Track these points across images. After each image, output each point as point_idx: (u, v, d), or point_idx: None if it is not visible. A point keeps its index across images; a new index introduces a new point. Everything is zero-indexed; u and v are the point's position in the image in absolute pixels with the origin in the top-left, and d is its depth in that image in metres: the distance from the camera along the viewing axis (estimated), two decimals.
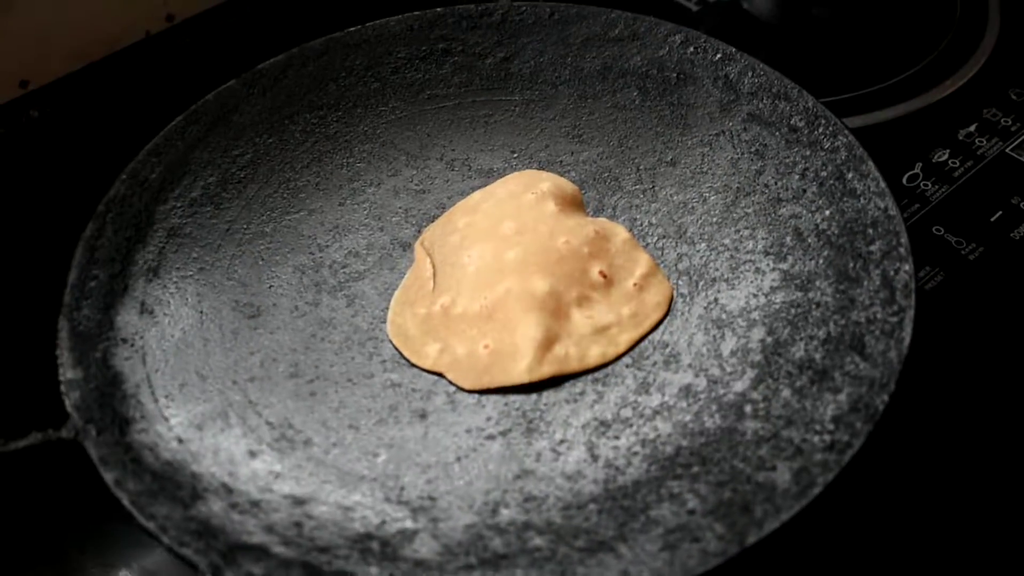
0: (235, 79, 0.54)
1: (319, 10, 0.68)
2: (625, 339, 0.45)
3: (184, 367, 0.45)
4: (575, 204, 0.50)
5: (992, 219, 0.55)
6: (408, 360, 0.46)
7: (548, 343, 0.44)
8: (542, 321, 0.44)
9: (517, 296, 0.45)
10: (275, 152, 0.53)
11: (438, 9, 0.57)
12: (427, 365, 0.45)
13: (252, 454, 0.42)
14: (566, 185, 0.50)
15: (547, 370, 0.44)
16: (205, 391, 0.44)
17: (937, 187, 0.57)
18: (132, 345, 0.45)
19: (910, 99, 0.62)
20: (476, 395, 0.44)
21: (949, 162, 0.58)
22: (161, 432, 0.43)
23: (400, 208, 0.52)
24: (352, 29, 0.56)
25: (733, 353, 0.44)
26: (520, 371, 0.44)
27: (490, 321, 0.45)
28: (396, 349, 0.46)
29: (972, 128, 0.60)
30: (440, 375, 0.45)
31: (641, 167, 0.52)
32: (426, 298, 0.47)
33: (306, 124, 0.54)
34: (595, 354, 0.45)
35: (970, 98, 0.62)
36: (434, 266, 0.48)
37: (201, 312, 0.47)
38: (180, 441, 0.42)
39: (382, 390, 0.45)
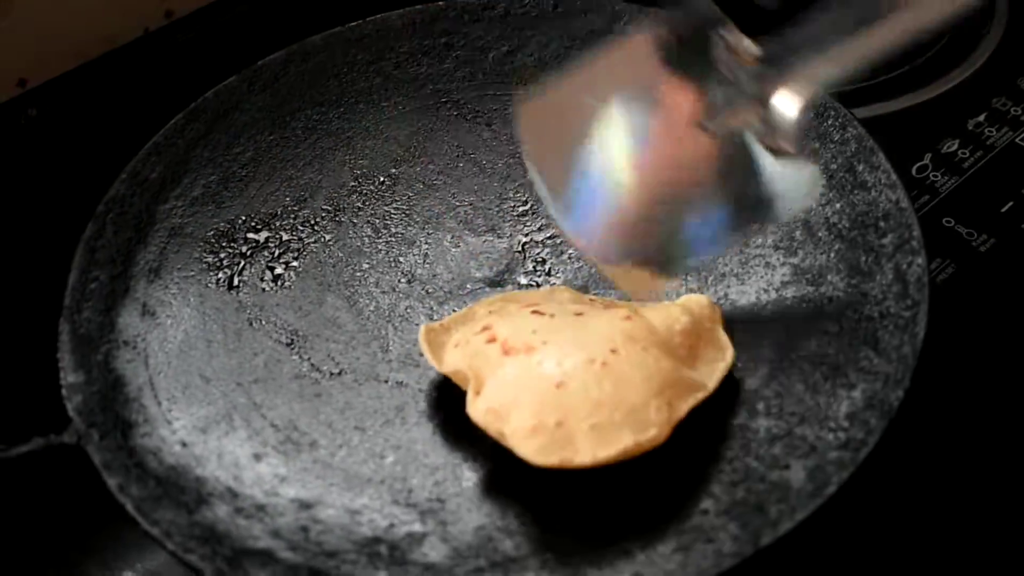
0: (235, 76, 0.54)
1: (319, 5, 0.67)
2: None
3: (187, 369, 0.45)
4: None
5: (1003, 210, 0.54)
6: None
7: None
8: None
9: None
10: (277, 149, 0.53)
11: (440, 3, 0.56)
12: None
13: (257, 457, 0.42)
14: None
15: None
16: (209, 393, 0.44)
17: (947, 178, 0.56)
18: (134, 347, 0.45)
19: (918, 89, 0.61)
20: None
21: (959, 152, 0.58)
22: (164, 436, 0.42)
23: (403, 206, 0.52)
24: (353, 24, 0.56)
25: (745, 349, 0.43)
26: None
27: None
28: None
29: (981, 118, 0.59)
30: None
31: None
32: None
33: (307, 121, 0.54)
34: None
35: (978, 88, 0.61)
36: None
37: (204, 313, 0.47)
38: (184, 445, 0.42)
39: (389, 391, 0.44)
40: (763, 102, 0.39)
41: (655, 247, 0.43)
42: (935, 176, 0.56)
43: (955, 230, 0.53)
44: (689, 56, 0.41)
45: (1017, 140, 0.58)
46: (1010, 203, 0.54)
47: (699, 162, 0.41)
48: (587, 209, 0.42)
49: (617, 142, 0.42)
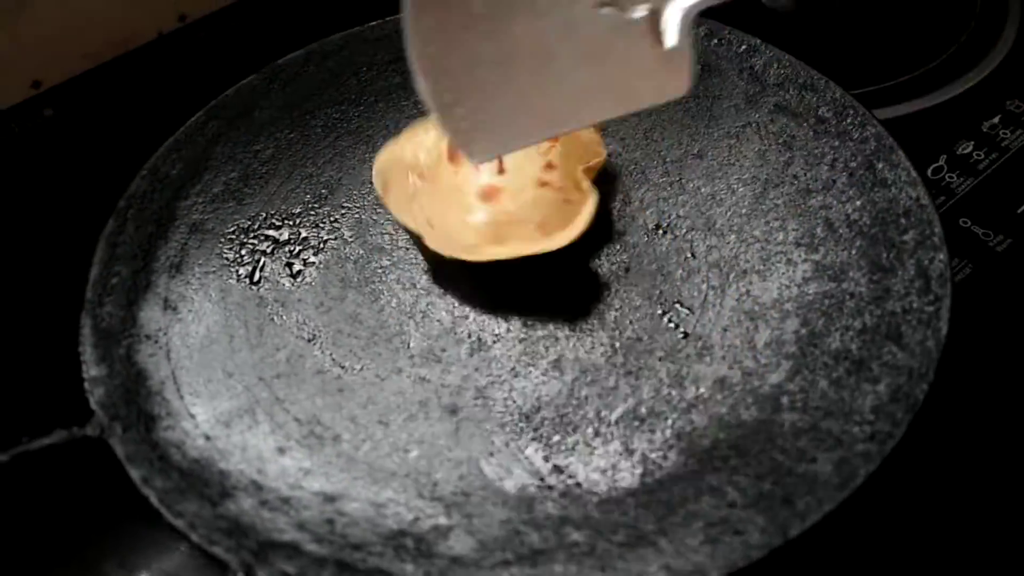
0: (255, 74, 0.54)
1: (331, 9, 0.68)
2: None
3: (209, 364, 0.45)
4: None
5: (1019, 210, 0.54)
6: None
7: None
8: None
9: None
10: (296, 147, 0.53)
11: None
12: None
13: (281, 451, 0.42)
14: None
15: None
16: (231, 388, 0.44)
17: (962, 179, 0.56)
18: (156, 342, 0.45)
19: (932, 92, 0.61)
20: (507, 390, 0.44)
21: (974, 154, 0.58)
22: (187, 429, 0.42)
23: None
24: (373, 23, 0.56)
25: (767, 345, 0.43)
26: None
27: None
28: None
29: (996, 120, 0.60)
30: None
31: (667, 159, 0.51)
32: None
33: (327, 119, 0.54)
34: None
35: (993, 90, 0.61)
36: None
37: (225, 308, 0.47)
38: (207, 438, 0.42)
39: (411, 386, 0.44)
40: None
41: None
42: (951, 177, 0.56)
43: (971, 230, 0.53)
44: None
45: None
46: None
47: (581, 38, 0.39)
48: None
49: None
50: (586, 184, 0.47)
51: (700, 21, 0.55)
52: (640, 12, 0.38)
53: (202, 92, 0.54)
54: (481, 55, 0.39)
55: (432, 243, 0.46)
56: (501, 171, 0.48)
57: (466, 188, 0.48)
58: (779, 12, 0.65)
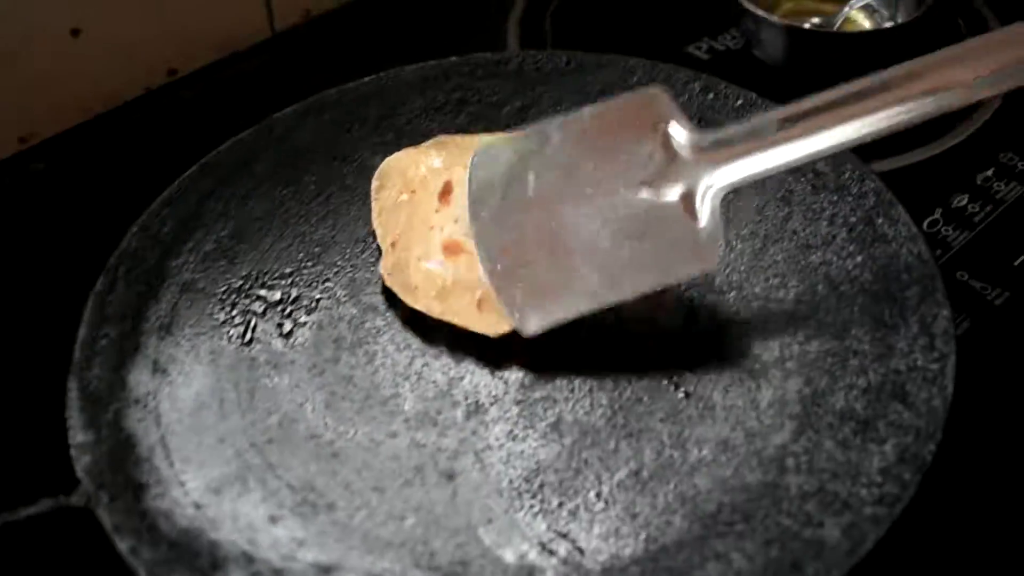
0: (249, 130, 0.53)
1: (328, 62, 0.67)
2: None
3: (199, 429, 0.43)
4: None
5: (1016, 263, 0.54)
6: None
7: None
8: None
9: None
10: (289, 204, 0.52)
11: (453, 58, 0.56)
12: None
13: (273, 519, 0.41)
14: None
15: None
16: (222, 454, 0.43)
17: (958, 232, 0.56)
18: (145, 406, 0.44)
19: (924, 145, 0.61)
20: (505, 453, 0.43)
21: (969, 207, 0.58)
22: (177, 498, 0.41)
23: None
24: (365, 79, 0.56)
25: (770, 405, 0.43)
26: None
27: None
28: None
29: (989, 172, 0.60)
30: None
31: None
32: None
33: (321, 176, 0.53)
34: None
35: (985, 142, 0.61)
36: None
37: (216, 371, 0.46)
38: (197, 507, 0.41)
39: (407, 450, 0.43)
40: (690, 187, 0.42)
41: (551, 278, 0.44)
42: (947, 231, 0.56)
43: (969, 284, 0.53)
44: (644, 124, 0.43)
45: None
46: (1023, 257, 0.54)
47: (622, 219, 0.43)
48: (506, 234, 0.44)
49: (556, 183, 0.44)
50: None
51: (695, 75, 0.55)
52: (675, 195, 0.42)
53: (194, 147, 0.53)
54: (534, 235, 0.44)
55: (383, 266, 0.48)
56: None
57: (437, 231, 0.47)
58: (770, 65, 0.65)
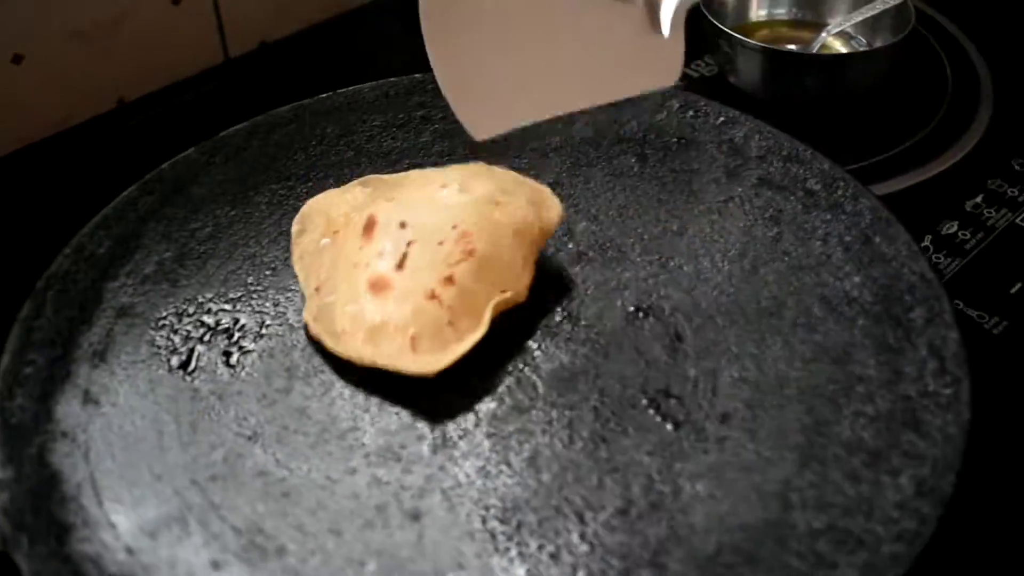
0: (194, 147, 0.50)
1: (280, 89, 0.64)
2: None
3: (134, 464, 0.40)
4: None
5: (1012, 291, 0.52)
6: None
7: None
8: None
9: None
10: (238, 225, 0.49)
11: (416, 75, 0.53)
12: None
13: (216, 565, 0.37)
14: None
15: None
16: (159, 492, 0.39)
17: (950, 260, 0.54)
18: (73, 440, 0.40)
19: (910, 171, 0.59)
20: (476, 491, 0.38)
21: (959, 234, 0.56)
22: (107, 541, 0.37)
23: None
24: (323, 96, 0.52)
25: (769, 435, 0.39)
26: None
27: None
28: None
29: (979, 199, 0.58)
30: None
31: (645, 237, 0.48)
32: None
33: (273, 196, 0.50)
34: None
35: (973, 169, 0.60)
36: None
37: (154, 402, 0.42)
38: (129, 552, 0.37)
39: (367, 488, 0.39)
40: None
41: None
42: (938, 258, 0.54)
43: (966, 313, 0.50)
44: None
45: (1017, 221, 0.56)
46: (1019, 284, 0.52)
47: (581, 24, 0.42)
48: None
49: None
50: (486, 316, 0.42)
51: (672, 93, 0.52)
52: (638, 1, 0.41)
53: (142, 171, 0.50)
54: (488, 35, 0.41)
55: (307, 312, 0.44)
56: (400, 266, 0.43)
57: (362, 269, 0.44)
58: (745, 91, 0.63)
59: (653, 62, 0.41)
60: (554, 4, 0.41)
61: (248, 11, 0.67)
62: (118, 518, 0.37)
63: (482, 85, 0.42)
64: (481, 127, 0.42)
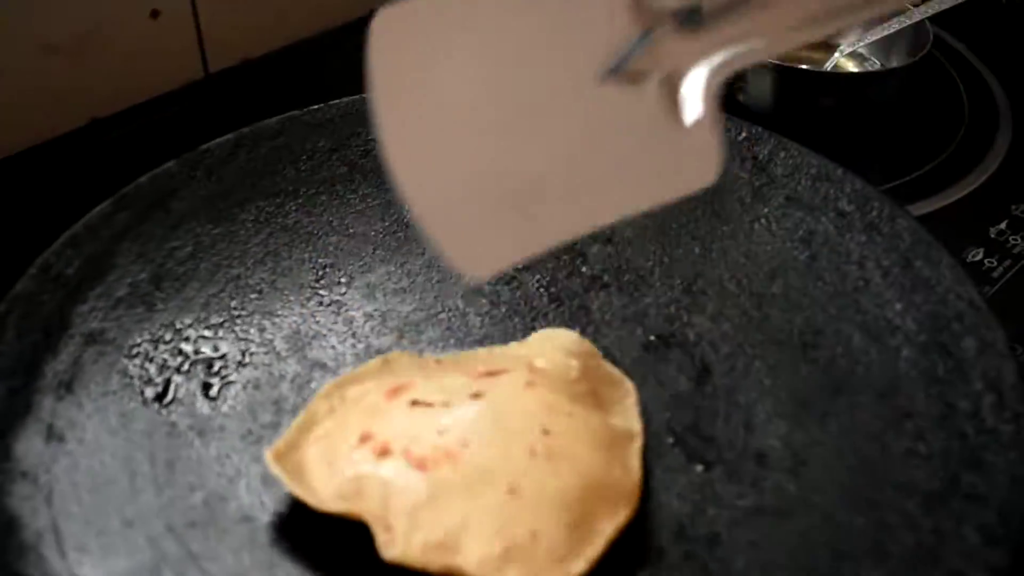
0: (174, 160, 0.46)
1: (262, 105, 0.60)
2: None
3: (103, 509, 0.35)
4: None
5: None
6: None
7: None
8: None
9: None
10: (221, 245, 0.45)
11: None
12: None
13: None
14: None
15: None
16: (131, 540, 0.35)
17: (978, 288, 0.50)
18: (35, 481, 0.36)
19: (930, 196, 0.57)
20: None
21: (985, 261, 0.53)
22: None
23: (376, 312, 0.43)
24: (314, 107, 0.49)
25: (812, 475, 0.35)
26: None
27: None
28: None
29: (1003, 225, 0.55)
30: None
31: (666, 259, 0.44)
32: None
33: (259, 213, 0.46)
34: None
35: (995, 195, 0.58)
36: None
37: (127, 439, 0.38)
38: None
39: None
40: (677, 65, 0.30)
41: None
42: None
43: None
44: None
45: None
46: None
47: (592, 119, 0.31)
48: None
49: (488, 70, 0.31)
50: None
51: None
52: (653, 81, 0.30)
53: (114, 187, 0.46)
54: (463, 157, 0.31)
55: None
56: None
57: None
58: (755, 111, 0.60)
59: (682, 158, 0.31)
60: (540, 91, 0.31)
61: (230, 25, 0.63)
62: (83, 570, 0.33)
63: (468, 214, 0.32)
64: (477, 266, 0.33)
